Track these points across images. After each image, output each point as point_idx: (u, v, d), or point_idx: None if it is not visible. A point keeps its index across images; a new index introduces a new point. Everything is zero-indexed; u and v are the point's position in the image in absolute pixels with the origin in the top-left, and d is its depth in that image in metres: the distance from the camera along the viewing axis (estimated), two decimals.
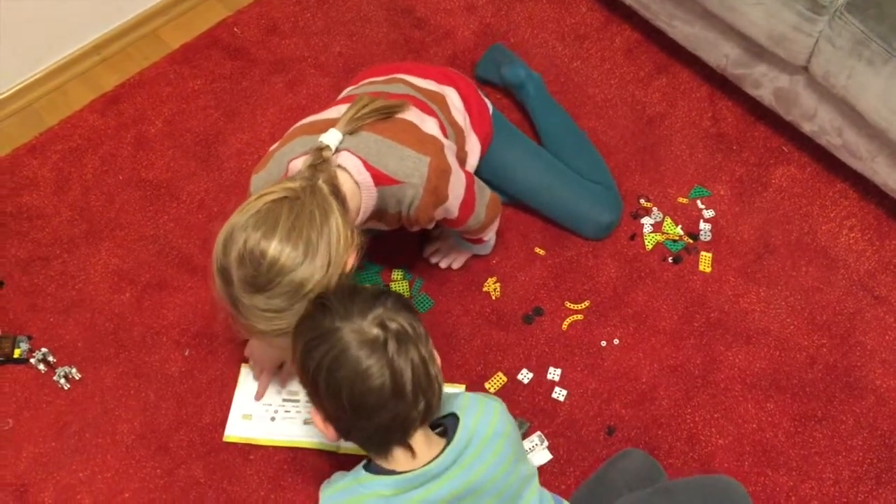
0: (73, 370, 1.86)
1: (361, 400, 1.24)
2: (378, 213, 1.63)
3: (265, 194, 1.40)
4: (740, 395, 1.83)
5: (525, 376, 1.85)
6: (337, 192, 1.45)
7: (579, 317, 1.92)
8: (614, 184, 2.02)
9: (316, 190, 1.41)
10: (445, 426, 1.35)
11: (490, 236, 1.91)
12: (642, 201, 2.05)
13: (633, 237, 2.01)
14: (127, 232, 2.04)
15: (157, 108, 2.21)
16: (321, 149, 1.48)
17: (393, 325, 1.25)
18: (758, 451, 1.77)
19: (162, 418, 1.82)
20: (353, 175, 1.52)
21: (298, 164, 1.50)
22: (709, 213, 2.04)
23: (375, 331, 1.24)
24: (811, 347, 1.88)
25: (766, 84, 2.01)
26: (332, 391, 1.26)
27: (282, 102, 2.21)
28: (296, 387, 1.84)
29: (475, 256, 1.98)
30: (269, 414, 1.81)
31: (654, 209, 2.04)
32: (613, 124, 2.16)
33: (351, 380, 1.23)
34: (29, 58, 2.21)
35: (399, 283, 1.96)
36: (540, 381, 1.85)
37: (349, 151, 1.52)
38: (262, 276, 1.36)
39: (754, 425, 1.80)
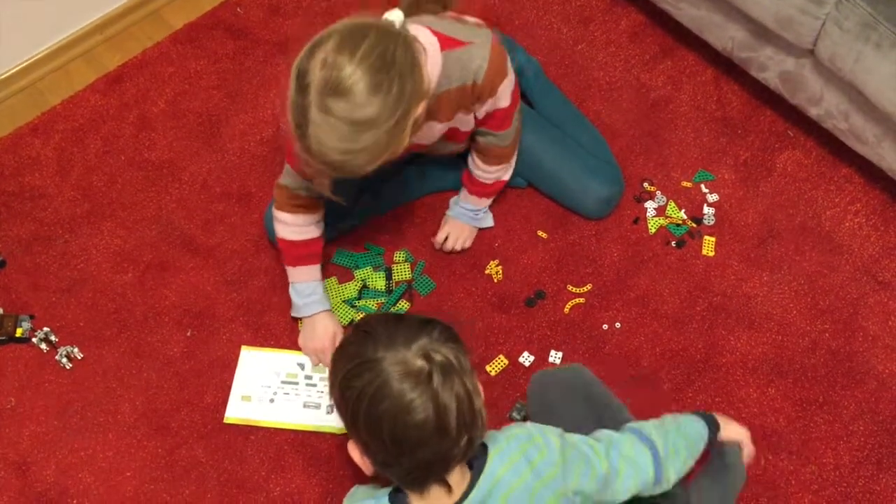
0: (75, 350, 1.87)
1: (403, 435, 1.18)
2: (438, 97, 1.62)
3: (356, 18, 1.43)
4: (742, 380, 1.83)
5: (527, 359, 1.85)
6: (420, 42, 1.47)
7: (581, 300, 1.92)
8: (616, 162, 2.01)
9: (402, 32, 1.44)
10: (474, 456, 1.29)
11: (511, 163, 1.89)
12: (646, 185, 2.04)
13: (636, 221, 2.00)
14: (129, 212, 2.04)
15: (159, 88, 2.21)
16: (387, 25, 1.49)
17: (438, 357, 1.19)
18: (759, 436, 1.76)
19: (163, 398, 1.83)
20: (419, 39, 1.51)
21: None
22: (713, 198, 2.03)
23: (420, 363, 1.18)
24: (814, 332, 1.87)
25: (771, 67, 1.99)
26: (372, 424, 1.20)
27: (285, 83, 2.20)
28: (294, 369, 1.84)
29: (478, 237, 1.97)
30: (268, 396, 1.81)
31: (658, 193, 2.03)
32: (618, 107, 2.15)
33: (393, 414, 1.17)
34: (32, 37, 2.21)
35: (401, 265, 1.95)
36: (541, 364, 1.85)
37: (413, 23, 1.54)
38: (344, 82, 1.36)
39: (755, 410, 1.80)
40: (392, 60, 1.39)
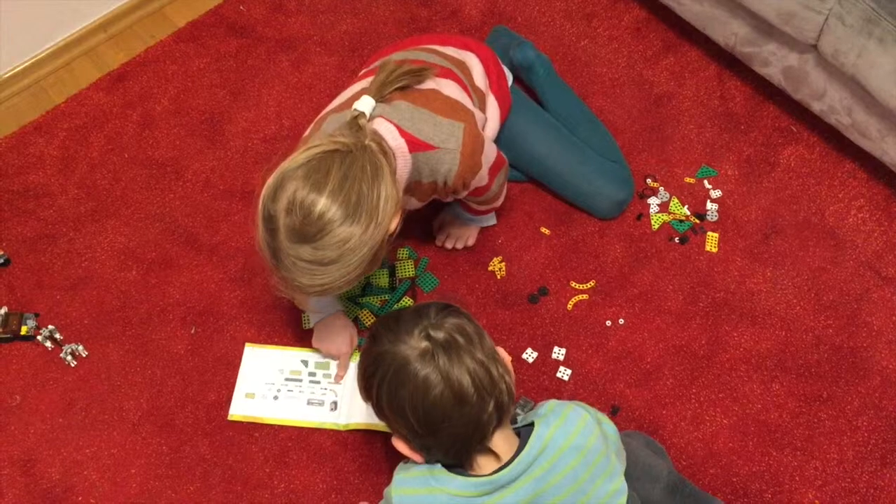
0: (80, 347, 1.87)
1: (428, 412, 1.23)
2: (411, 185, 1.61)
3: (316, 145, 1.39)
4: (745, 376, 1.82)
5: (530, 355, 1.86)
6: (385, 151, 1.45)
7: (584, 296, 1.92)
8: (625, 162, 2.01)
9: (366, 147, 1.41)
10: (520, 431, 1.33)
11: (499, 202, 1.90)
12: (649, 181, 2.04)
13: (639, 217, 2.00)
14: (133, 210, 2.04)
15: (162, 86, 2.21)
16: (356, 117, 1.47)
17: (439, 335, 1.24)
18: (762, 432, 1.77)
19: (168, 396, 1.83)
20: (387, 141, 1.50)
21: None
22: (716, 194, 2.03)
23: (424, 344, 1.24)
24: (817, 328, 1.87)
25: (774, 63, 1.99)
26: (398, 410, 1.26)
27: (288, 81, 2.21)
28: (298, 367, 1.85)
29: (481, 234, 1.98)
30: (271, 393, 1.82)
31: (661, 189, 2.03)
32: (621, 103, 2.15)
33: (412, 394, 1.24)
34: (36, 35, 2.21)
35: (404, 262, 1.96)
36: (544, 360, 1.85)
37: (382, 118, 1.52)
38: (310, 226, 1.35)
39: (759, 405, 1.80)
40: (358, 199, 1.37)
